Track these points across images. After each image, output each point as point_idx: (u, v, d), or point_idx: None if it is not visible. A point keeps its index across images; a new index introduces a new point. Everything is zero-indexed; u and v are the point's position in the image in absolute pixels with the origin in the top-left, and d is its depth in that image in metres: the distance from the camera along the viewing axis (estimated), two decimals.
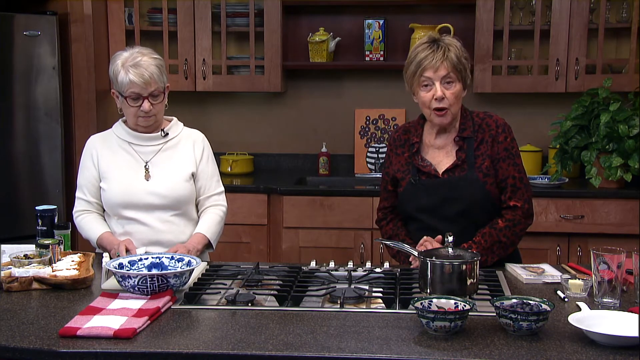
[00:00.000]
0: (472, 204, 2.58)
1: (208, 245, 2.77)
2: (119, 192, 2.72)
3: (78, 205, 2.80)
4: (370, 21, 4.44)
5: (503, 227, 2.57)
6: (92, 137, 2.86)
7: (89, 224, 2.77)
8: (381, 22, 4.43)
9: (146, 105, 2.66)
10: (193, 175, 2.79)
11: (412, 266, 2.54)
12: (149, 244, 2.70)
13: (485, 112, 2.68)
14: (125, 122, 2.80)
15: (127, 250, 2.58)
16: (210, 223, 2.79)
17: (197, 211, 2.85)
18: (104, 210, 2.80)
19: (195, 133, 2.88)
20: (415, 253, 2.38)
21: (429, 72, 2.54)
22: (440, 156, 2.65)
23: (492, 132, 2.61)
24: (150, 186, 2.72)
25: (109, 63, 2.75)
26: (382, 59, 4.47)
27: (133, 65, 2.63)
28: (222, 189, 2.89)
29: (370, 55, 4.47)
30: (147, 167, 2.75)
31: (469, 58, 2.61)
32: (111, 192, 2.72)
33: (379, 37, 4.44)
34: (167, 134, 2.79)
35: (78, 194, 2.81)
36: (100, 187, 2.75)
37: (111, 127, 2.85)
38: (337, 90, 4.69)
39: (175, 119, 2.86)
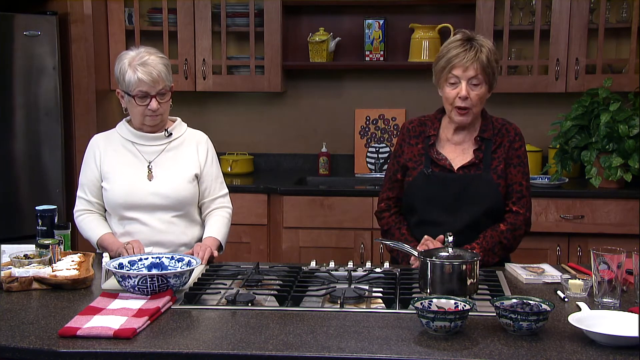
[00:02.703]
0: (483, 202, 2.61)
1: (219, 247, 2.77)
2: (121, 192, 2.71)
3: (79, 205, 2.80)
4: (370, 21, 4.44)
5: (505, 230, 2.61)
6: (95, 136, 2.86)
7: (89, 224, 2.76)
8: (381, 22, 4.43)
9: (154, 103, 2.66)
10: (196, 177, 2.79)
11: (412, 266, 2.54)
12: (150, 244, 2.70)
13: (503, 119, 2.74)
14: (129, 121, 2.80)
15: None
16: (219, 225, 2.80)
17: (200, 213, 2.86)
18: (106, 210, 2.80)
19: (199, 134, 2.88)
20: (416, 253, 2.38)
21: (457, 70, 2.55)
22: (457, 152, 2.67)
23: (511, 138, 2.67)
24: (152, 186, 2.72)
25: (114, 63, 2.75)
26: (382, 59, 4.47)
27: (141, 64, 2.63)
28: (227, 190, 2.90)
29: (370, 55, 4.47)
30: (150, 167, 2.75)
31: (499, 60, 2.67)
32: (113, 192, 2.72)
33: (379, 37, 4.44)
34: (171, 134, 2.79)
35: (79, 193, 2.80)
36: (102, 187, 2.75)
37: (113, 126, 2.85)
38: (337, 90, 4.69)
39: (179, 119, 2.86)
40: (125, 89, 2.68)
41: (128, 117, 2.81)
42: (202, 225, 2.85)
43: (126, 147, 2.77)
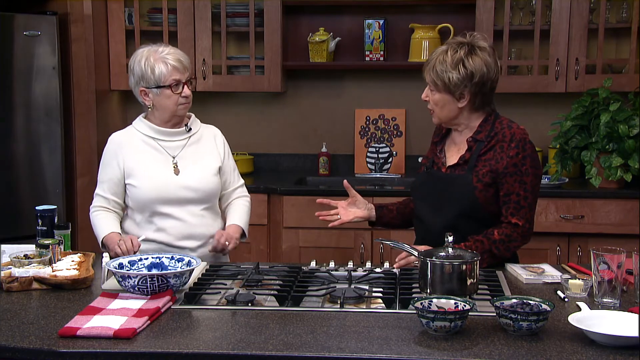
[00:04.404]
0: (459, 204, 2.57)
1: (242, 235, 2.84)
2: (151, 187, 2.72)
3: (96, 202, 2.81)
4: (370, 21, 4.44)
5: (497, 240, 2.53)
6: (113, 135, 2.84)
7: (100, 221, 2.77)
8: (381, 22, 4.43)
9: (187, 90, 2.72)
10: (219, 170, 2.84)
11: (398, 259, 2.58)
12: (183, 238, 2.75)
13: (511, 121, 2.62)
14: (146, 117, 2.81)
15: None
16: (241, 213, 2.88)
17: (220, 205, 2.90)
18: (123, 209, 2.82)
19: (213, 128, 2.94)
20: (416, 253, 2.39)
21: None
22: (453, 151, 2.68)
23: (504, 144, 2.55)
24: (181, 180, 2.75)
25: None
26: (382, 59, 4.47)
27: (167, 54, 2.69)
28: (243, 181, 2.98)
29: (370, 55, 4.47)
30: (175, 162, 2.76)
31: (473, 74, 2.52)
32: (142, 188, 2.73)
33: (379, 37, 4.44)
34: (191, 128, 2.83)
35: (97, 190, 2.81)
36: (128, 185, 2.75)
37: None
38: (337, 90, 4.69)
39: (193, 114, 2.90)
40: (155, 84, 2.69)
41: (143, 114, 2.82)
42: (223, 217, 2.90)
43: (148, 144, 2.78)
